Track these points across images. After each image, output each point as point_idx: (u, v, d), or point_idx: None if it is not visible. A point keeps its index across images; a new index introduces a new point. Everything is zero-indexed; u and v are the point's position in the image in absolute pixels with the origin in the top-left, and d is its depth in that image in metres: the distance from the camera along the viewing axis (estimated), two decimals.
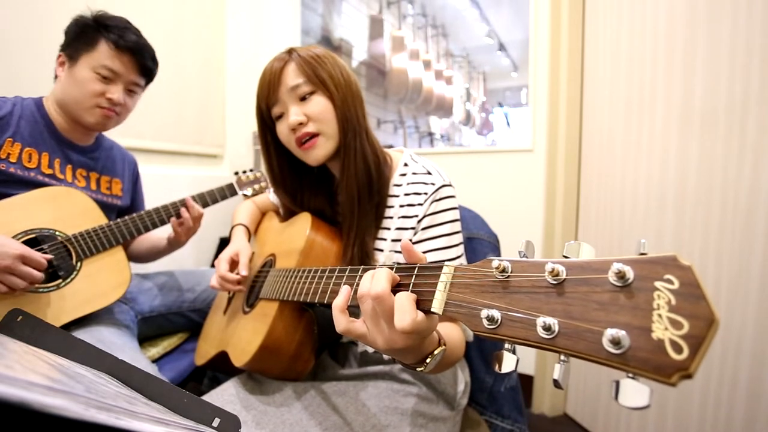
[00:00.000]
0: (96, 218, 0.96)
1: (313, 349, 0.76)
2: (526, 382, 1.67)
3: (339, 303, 0.49)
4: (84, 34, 0.93)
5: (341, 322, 0.49)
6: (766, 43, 0.96)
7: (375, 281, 0.44)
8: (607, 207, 1.41)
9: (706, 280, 1.06)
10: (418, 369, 0.49)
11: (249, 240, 0.95)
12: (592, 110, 1.53)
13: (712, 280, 1.06)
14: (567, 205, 1.61)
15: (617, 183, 1.36)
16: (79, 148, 1.02)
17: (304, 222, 0.80)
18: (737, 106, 1.01)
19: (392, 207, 0.76)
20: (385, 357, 0.76)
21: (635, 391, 0.26)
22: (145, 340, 1.13)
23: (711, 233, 1.07)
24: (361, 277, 0.51)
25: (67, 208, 0.92)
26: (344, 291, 0.50)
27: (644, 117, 1.24)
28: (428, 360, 0.48)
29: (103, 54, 0.93)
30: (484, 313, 0.35)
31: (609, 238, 1.40)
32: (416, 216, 0.73)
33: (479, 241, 0.96)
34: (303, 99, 0.74)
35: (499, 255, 0.98)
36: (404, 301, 0.42)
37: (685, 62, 1.11)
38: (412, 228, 0.73)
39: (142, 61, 0.98)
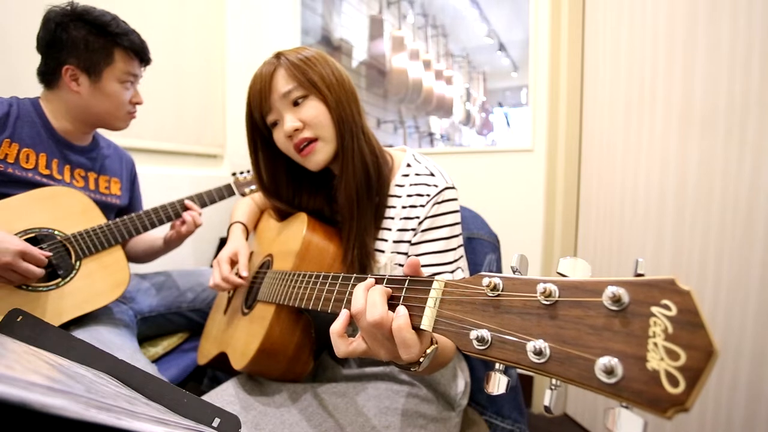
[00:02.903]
0: (95, 218, 0.96)
1: (311, 351, 0.76)
2: (526, 382, 1.67)
3: (337, 328, 0.48)
4: (96, 48, 0.93)
5: (341, 347, 0.48)
6: (766, 43, 0.96)
7: (370, 305, 0.43)
8: (607, 207, 1.41)
9: (706, 281, 1.07)
10: (412, 369, 0.49)
11: (247, 238, 0.94)
12: (592, 110, 1.53)
13: (712, 280, 1.06)
14: (567, 205, 1.61)
15: (617, 183, 1.36)
16: (77, 148, 1.02)
17: (300, 223, 0.79)
18: (737, 106, 1.01)
19: (394, 207, 0.75)
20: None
21: (628, 422, 0.25)
22: (144, 340, 1.13)
23: (711, 233, 1.07)
24: (354, 285, 0.50)
25: (66, 207, 0.92)
26: (343, 316, 0.49)
27: (644, 117, 1.24)
28: (422, 359, 0.48)
29: (122, 63, 0.97)
30: (474, 333, 0.34)
31: (609, 238, 1.40)
32: (417, 217, 0.72)
33: (479, 241, 0.96)
34: (296, 104, 0.73)
35: (499, 255, 0.98)
36: (405, 336, 0.42)
37: (685, 62, 1.11)
38: (413, 229, 0.73)
39: (147, 57, 1.03)
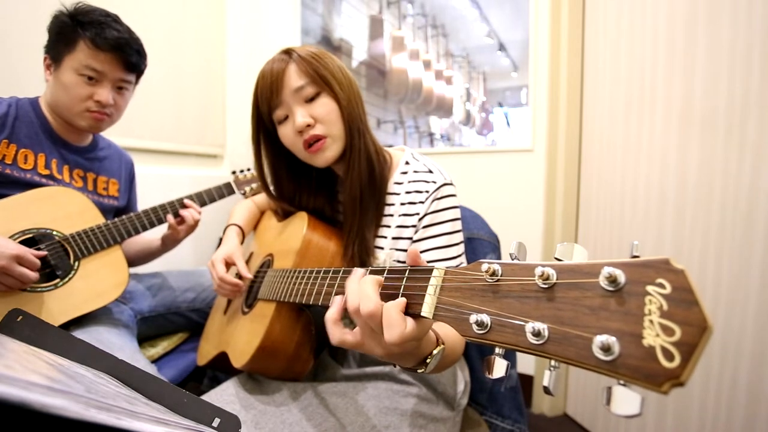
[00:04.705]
0: (93, 218, 0.95)
1: (311, 349, 0.76)
2: (526, 382, 1.66)
3: (332, 315, 0.48)
4: (63, 35, 0.90)
5: (335, 334, 0.48)
6: (766, 43, 0.96)
7: (364, 298, 0.43)
8: (607, 207, 1.41)
9: (706, 280, 1.07)
10: (419, 371, 0.49)
11: (242, 241, 0.94)
12: (592, 110, 1.53)
13: (712, 280, 1.06)
14: (567, 205, 1.61)
15: (617, 183, 1.36)
16: (76, 148, 1.02)
17: (300, 222, 0.79)
18: (737, 107, 1.01)
19: (393, 205, 0.76)
20: None
21: (626, 399, 0.26)
22: (144, 340, 1.13)
23: (711, 233, 1.07)
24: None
25: (64, 207, 0.92)
26: (336, 302, 0.49)
27: (644, 117, 1.24)
28: (428, 360, 0.48)
29: (83, 54, 0.89)
30: (474, 318, 0.34)
31: (609, 238, 1.40)
32: (417, 214, 0.73)
33: (479, 241, 0.96)
34: (308, 101, 0.73)
35: (499, 255, 0.98)
36: (392, 314, 0.41)
37: (685, 62, 1.11)
38: (413, 226, 0.73)
39: (126, 58, 0.93)
